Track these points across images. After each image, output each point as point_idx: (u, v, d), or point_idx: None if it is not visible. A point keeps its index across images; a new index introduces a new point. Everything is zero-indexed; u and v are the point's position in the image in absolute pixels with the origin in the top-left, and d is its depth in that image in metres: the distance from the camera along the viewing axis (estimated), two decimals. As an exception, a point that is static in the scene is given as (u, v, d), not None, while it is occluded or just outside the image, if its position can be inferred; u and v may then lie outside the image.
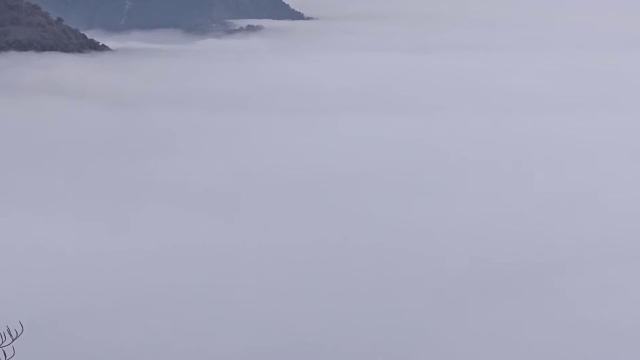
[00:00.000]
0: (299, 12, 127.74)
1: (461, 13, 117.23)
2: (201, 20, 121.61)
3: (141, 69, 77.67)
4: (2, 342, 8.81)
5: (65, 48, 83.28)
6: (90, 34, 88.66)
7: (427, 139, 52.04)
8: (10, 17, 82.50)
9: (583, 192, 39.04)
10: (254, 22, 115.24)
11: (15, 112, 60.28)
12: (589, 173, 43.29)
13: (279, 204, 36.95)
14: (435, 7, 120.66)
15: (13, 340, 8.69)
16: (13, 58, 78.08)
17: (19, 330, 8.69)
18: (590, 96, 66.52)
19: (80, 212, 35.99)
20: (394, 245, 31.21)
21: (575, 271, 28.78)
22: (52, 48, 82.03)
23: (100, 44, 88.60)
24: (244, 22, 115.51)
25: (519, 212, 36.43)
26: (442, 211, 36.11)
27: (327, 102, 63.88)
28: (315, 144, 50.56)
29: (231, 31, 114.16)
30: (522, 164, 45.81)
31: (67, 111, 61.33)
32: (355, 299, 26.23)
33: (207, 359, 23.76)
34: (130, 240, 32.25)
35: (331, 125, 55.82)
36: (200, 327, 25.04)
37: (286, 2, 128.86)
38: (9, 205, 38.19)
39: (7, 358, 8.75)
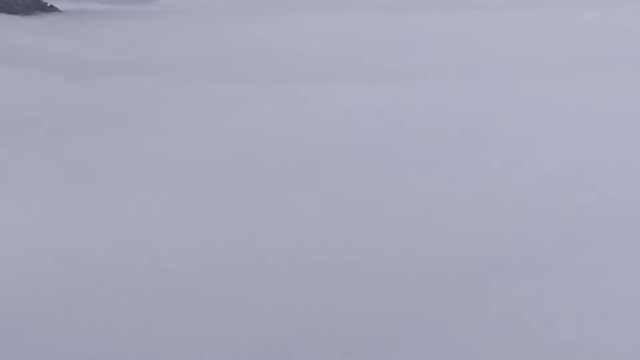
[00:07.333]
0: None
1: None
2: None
3: (96, 34, 74.24)
4: None
5: (10, 9, 79.19)
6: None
7: (415, 108, 47.74)
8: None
9: (591, 164, 35.76)
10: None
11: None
12: (595, 143, 39.27)
13: (262, 181, 33.78)
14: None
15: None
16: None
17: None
18: (589, 58, 62.53)
19: (43, 194, 32.23)
20: (394, 225, 28.65)
21: (591, 249, 26.29)
22: (-5, 10, 78.43)
23: (48, 4, 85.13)
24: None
25: (523, 186, 33.33)
26: (439, 186, 33.10)
27: (304, 69, 60.44)
28: (294, 116, 46.31)
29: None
30: (521, 133, 41.62)
31: (15, 80, 56.11)
32: (359, 280, 24.30)
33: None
34: (99, 223, 28.83)
35: (310, 95, 51.27)
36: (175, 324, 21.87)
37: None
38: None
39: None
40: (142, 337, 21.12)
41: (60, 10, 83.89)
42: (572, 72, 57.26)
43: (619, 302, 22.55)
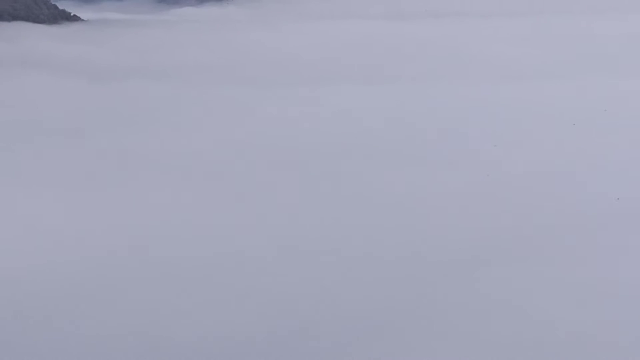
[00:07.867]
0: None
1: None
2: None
3: (116, 41, 76.61)
4: None
5: (37, 19, 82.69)
6: (61, 4, 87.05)
7: (413, 109, 49.84)
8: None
9: (579, 160, 36.80)
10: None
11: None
12: (583, 141, 40.45)
13: (269, 176, 35.40)
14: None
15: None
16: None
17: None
18: (573, 62, 64.61)
19: (66, 188, 33.84)
20: (391, 219, 29.66)
21: (582, 236, 27.46)
22: (23, 19, 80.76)
23: (72, 14, 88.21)
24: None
25: (516, 182, 34.32)
26: (433, 183, 34.02)
27: (307, 73, 62.40)
28: (297, 116, 48.60)
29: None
30: (512, 133, 42.70)
31: (42, 84, 59.17)
32: (357, 275, 25.04)
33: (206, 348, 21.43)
34: (121, 215, 30.35)
35: (313, 97, 53.90)
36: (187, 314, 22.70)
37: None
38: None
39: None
40: (150, 323, 21.92)
41: (83, 20, 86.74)
42: (559, 75, 59.13)
43: (613, 291, 23.14)
